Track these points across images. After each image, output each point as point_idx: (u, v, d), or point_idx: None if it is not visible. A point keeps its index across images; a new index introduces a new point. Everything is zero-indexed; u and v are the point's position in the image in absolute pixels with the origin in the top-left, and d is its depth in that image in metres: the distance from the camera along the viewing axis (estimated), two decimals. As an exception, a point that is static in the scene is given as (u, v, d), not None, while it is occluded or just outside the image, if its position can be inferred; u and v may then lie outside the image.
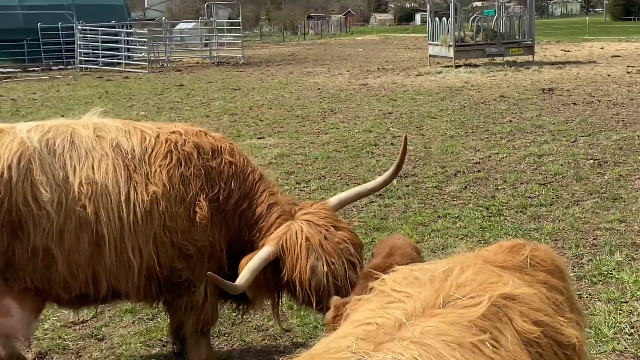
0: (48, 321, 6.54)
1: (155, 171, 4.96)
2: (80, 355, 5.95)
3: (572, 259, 7.76)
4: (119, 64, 37.13)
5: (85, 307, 5.45)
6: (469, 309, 2.59)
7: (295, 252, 4.84)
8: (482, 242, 8.36)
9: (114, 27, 39.86)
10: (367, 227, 9.00)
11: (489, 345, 2.51)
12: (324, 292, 4.80)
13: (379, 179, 5.72)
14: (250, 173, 5.30)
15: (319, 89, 24.02)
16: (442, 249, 8.19)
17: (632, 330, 6.02)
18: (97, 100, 23.09)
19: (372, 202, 10.13)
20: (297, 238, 4.88)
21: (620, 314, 6.33)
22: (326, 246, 4.88)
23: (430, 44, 30.33)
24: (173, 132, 5.17)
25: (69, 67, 37.97)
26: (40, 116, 19.53)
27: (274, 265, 4.92)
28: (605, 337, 5.88)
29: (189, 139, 5.14)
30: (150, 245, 4.91)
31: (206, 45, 43.75)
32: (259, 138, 15.33)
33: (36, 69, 37.62)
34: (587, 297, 6.76)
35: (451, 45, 28.00)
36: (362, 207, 9.92)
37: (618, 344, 5.80)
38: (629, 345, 5.79)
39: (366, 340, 2.44)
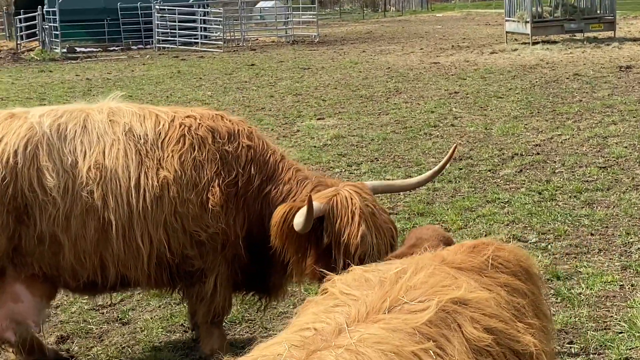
0: (76, 304, 6.59)
1: (167, 156, 4.90)
2: (102, 340, 5.97)
3: (620, 247, 7.42)
4: (195, 43, 37.45)
5: (96, 294, 5.44)
6: (415, 315, 2.43)
7: (346, 216, 4.68)
8: (529, 228, 8.08)
9: (192, 6, 40.21)
10: (412, 212, 8.80)
11: (432, 354, 2.35)
12: (364, 264, 4.64)
13: (414, 179, 5.68)
14: (270, 156, 5.17)
15: (389, 67, 23.69)
16: (486, 235, 7.93)
17: (671, 326, 5.69)
18: (168, 80, 23.35)
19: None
20: (348, 203, 4.72)
21: (661, 307, 6.00)
22: (375, 221, 4.76)
23: (507, 20, 29.50)
24: (188, 116, 5.10)
25: (148, 46, 38.46)
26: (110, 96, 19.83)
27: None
28: (638, 332, 5.57)
29: (203, 123, 5.05)
30: (160, 232, 4.86)
31: (285, 23, 43.76)
32: (318, 119, 15.19)
33: (116, 48, 38.29)
34: (628, 288, 6.45)
35: (528, 22, 27.21)
36: (410, 191, 9.69)
37: (652, 340, 5.49)
38: (664, 342, 5.48)
39: (300, 348, 2.32)
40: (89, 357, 5.70)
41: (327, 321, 2.47)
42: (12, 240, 4.69)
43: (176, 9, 38.39)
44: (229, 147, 5.00)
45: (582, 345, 5.49)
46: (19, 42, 36.81)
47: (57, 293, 5.28)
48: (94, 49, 37.56)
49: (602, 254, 7.29)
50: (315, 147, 12.43)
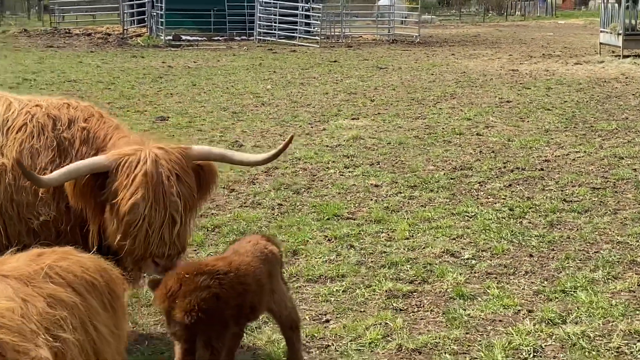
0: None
1: (9, 143, 5.10)
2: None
3: (550, 272, 7.15)
4: (294, 37, 37.88)
5: None
6: None
7: (127, 179, 4.63)
8: (472, 244, 7.89)
9: (296, 0, 40.60)
10: (368, 218, 8.72)
11: None
12: (132, 232, 4.66)
13: (250, 157, 5.64)
14: (103, 131, 5.15)
15: (463, 72, 23.33)
16: (423, 248, 7.80)
17: (530, 356, 5.48)
18: (243, 71, 23.80)
19: (400, 192, 9.79)
20: (136, 166, 4.65)
21: (537, 336, 5.78)
22: (158, 190, 4.65)
23: (601, 32, 28.46)
24: (36, 105, 5.26)
25: (251, 38, 39.09)
26: (175, 84, 20.45)
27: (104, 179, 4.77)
28: None
29: (47, 111, 5.20)
30: None
31: (402, 22, 43.65)
32: (352, 119, 15.19)
33: (220, 38, 39.17)
34: (522, 314, 6.22)
35: (620, 34, 26.15)
36: (385, 196, 9.62)
37: (498, 368, 5.31)
38: (511, 371, 5.29)
39: None
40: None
41: None
42: None
43: (278, 3, 38.87)
44: (66, 134, 5.10)
45: (426, 366, 5.38)
46: (125, 28, 38.23)
47: None
48: (199, 38, 38.54)
49: (526, 276, 7.06)
50: (327, 146, 12.46)
